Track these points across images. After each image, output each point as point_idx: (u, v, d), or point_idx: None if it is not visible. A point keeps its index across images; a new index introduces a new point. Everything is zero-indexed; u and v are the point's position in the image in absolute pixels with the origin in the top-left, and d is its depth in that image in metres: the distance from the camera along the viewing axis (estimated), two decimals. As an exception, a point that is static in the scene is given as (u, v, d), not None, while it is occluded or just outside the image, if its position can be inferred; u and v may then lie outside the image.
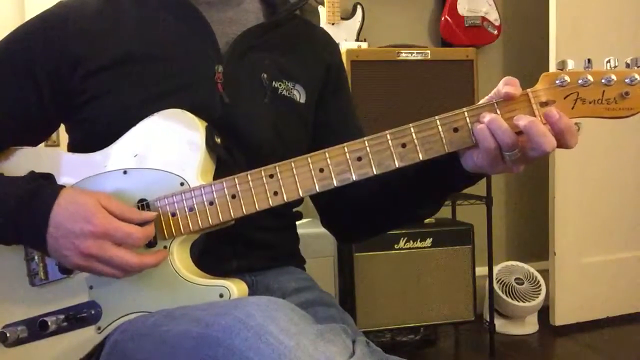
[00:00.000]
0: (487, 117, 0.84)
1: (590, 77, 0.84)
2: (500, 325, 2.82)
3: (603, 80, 0.83)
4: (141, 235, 0.91)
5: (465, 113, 0.87)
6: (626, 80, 0.83)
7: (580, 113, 0.85)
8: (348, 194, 1.04)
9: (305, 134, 1.15)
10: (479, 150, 0.86)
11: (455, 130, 0.87)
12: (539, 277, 2.92)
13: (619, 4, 2.93)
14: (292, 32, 1.16)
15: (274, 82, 1.09)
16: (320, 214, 1.23)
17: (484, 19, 2.97)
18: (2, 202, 0.93)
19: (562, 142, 0.83)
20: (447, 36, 2.97)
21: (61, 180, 1.01)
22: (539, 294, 2.87)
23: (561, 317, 2.89)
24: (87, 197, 0.91)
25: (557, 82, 0.85)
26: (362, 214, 1.16)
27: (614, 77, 0.83)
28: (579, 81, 0.84)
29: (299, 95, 1.13)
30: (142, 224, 0.92)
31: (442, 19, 2.97)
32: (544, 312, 2.92)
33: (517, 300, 2.83)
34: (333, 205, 1.18)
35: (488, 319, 2.73)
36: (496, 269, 2.88)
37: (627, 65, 0.85)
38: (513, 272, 2.94)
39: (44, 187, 0.94)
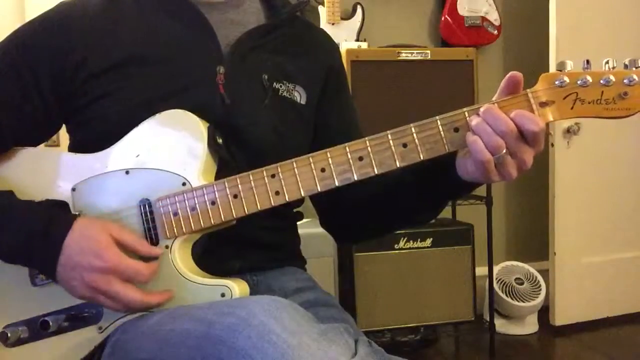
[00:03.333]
0: (474, 121, 0.85)
1: (589, 78, 0.84)
2: (500, 325, 2.83)
3: (602, 81, 0.84)
4: (147, 273, 0.92)
5: (466, 113, 0.87)
6: (624, 81, 0.84)
7: (580, 113, 0.85)
8: (348, 195, 1.04)
9: (306, 135, 1.15)
10: (471, 157, 0.86)
11: (456, 130, 0.87)
12: (539, 277, 2.93)
13: (619, 4, 2.93)
14: (293, 33, 1.16)
15: (274, 83, 1.09)
16: (319, 213, 1.24)
17: (484, 19, 2.98)
18: (16, 228, 0.94)
19: (521, 125, 0.83)
20: (447, 36, 2.97)
21: (63, 180, 1.01)
22: (539, 294, 2.87)
23: (561, 317, 2.90)
24: (99, 231, 0.92)
25: (556, 82, 0.85)
26: (361, 216, 1.17)
27: (612, 77, 0.84)
28: (578, 82, 0.85)
29: (300, 96, 1.13)
30: (148, 257, 0.94)
31: (442, 19, 2.97)
32: (544, 312, 2.93)
33: (517, 300, 2.83)
34: (332, 206, 1.18)
35: (488, 319, 2.73)
36: (496, 269, 2.88)
37: (626, 66, 0.85)
38: (513, 272, 2.94)
39: (58, 217, 0.95)
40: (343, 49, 2.44)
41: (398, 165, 0.89)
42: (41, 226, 0.93)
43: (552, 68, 2.74)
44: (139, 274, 0.91)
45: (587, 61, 0.85)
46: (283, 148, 1.06)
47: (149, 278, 0.93)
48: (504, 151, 0.83)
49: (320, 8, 2.73)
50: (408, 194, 1.04)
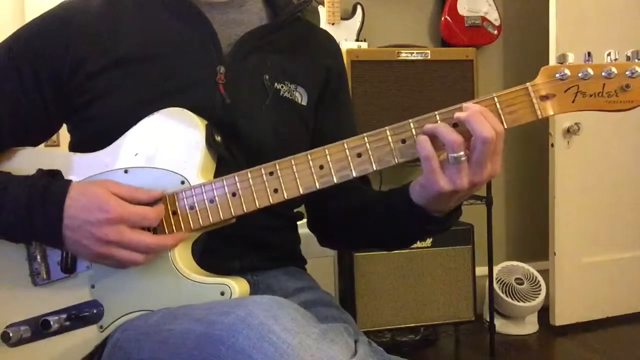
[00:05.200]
0: (429, 126, 0.86)
1: (590, 70, 0.84)
2: (500, 325, 2.82)
3: (603, 73, 0.84)
4: (154, 216, 0.92)
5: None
6: (627, 73, 0.83)
7: (581, 106, 0.85)
8: (335, 205, 1.09)
9: (306, 136, 1.15)
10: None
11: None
12: (539, 277, 2.92)
13: (620, 5, 2.93)
14: (295, 34, 1.15)
15: (275, 84, 1.09)
16: (308, 215, 1.24)
17: (484, 19, 2.97)
18: (13, 201, 0.93)
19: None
20: (447, 36, 2.97)
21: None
22: (539, 294, 2.87)
23: (561, 317, 2.89)
24: (96, 187, 0.92)
25: (557, 75, 0.85)
26: (341, 227, 1.18)
27: (614, 69, 0.83)
28: (579, 74, 0.84)
29: (301, 97, 1.12)
30: (152, 203, 0.94)
31: (442, 19, 2.97)
32: (544, 312, 2.92)
33: (517, 300, 2.83)
34: (321, 211, 1.19)
35: (488, 319, 2.73)
36: (496, 269, 2.88)
37: (628, 58, 0.85)
38: (513, 272, 2.94)
39: (53, 183, 0.94)
40: (343, 49, 2.43)
41: (397, 162, 0.89)
42: (38, 194, 0.92)
43: (552, 68, 2.73)
44: (146, 218, 0.91)
45: (589, 53, 0.85)
46: (282, 149, 1.05)
47: (156, 221, 0.93)
48: (462, 153, 0.84)
49: (320, 8, 2.73)
50: (381, 225, 1.07)
